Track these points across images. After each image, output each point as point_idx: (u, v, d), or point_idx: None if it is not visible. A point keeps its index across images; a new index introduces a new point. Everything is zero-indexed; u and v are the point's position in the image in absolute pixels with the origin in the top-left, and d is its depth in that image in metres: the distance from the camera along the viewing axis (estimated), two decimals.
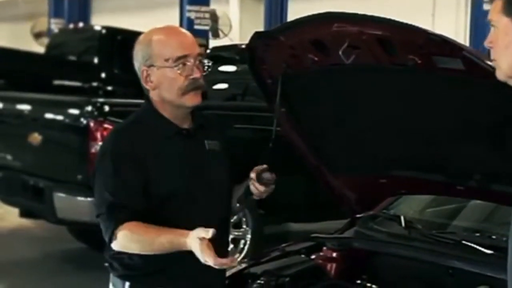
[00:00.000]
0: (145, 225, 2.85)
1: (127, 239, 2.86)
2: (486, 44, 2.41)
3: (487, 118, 3.17)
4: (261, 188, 3.09)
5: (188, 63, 2.94)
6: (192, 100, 2.98)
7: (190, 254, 2.95)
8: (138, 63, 3.01)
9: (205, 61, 3.02)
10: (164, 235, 2.83)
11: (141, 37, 3.04)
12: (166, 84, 2.96)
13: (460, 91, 3.15)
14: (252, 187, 3.11)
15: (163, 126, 3.01)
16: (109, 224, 2.88)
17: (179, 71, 2.94)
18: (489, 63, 2.84)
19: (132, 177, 2.89)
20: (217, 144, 3.13)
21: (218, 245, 3.06)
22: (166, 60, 2.94)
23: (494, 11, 2.37)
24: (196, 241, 2.69)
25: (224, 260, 2.70)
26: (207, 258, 2.67)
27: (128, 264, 2.99)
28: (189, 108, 3.01)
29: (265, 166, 3.09)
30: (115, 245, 2.90)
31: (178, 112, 3.02)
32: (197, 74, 2.96)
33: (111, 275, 3.09)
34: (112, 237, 2.88)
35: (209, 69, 3.05)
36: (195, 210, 2.99)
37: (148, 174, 2.92)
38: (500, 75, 2.41)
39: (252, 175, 3.09)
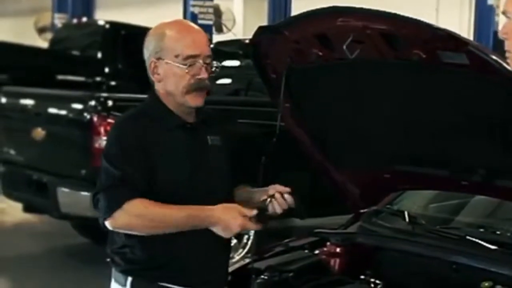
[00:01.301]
0: (156, 202, 2.86)
1: (139, 213, 2.84)
2: (501, 35, 2.40)
3: (491, 112, 3.16)
4: (283, 206, 3.07)
5: (197, 63, 2.95)
6: (195, 100, 2.98)
7: (193, 248, 2.96)
8: (147, 54, 3.02)
9: (214, 63, 3.03)
10: (181, 209, 2.86)
11: (155, 28, 3.06)
12: (172, 80, 2.97)
13: (464, 86, 3.13)
14: (271, 206, 3.07)
15: (168, 118, 3.02)
16: (116, 197, 2.85)
17: (186, 70, 2.94)
18: (494, 57, 2.84)
19: (140, 162, 2.90)
20: (220, 140, 3.13)
21: (220, 241, 3.07)
22: (176, 56, 2.94)
23: (509, 2, 2.35)
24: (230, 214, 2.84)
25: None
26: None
27: (131, 259, 2.99)
28: (190, 108, 3.01)
29: (288, 189, 3.10)
30: (114, 221, 2.86)
31: (181, 107, 3.02)
32: (204, 75, 2.96)
33: (113, 270, 3.09)
34: (114, 212, 2.84)
35: (217, 71, 3.06)
36: (196, 204, 2.99)
37: (153, 164, 2.92)
38: None
39: (278, 195, 3.06)
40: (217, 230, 2.89)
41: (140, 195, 2.85)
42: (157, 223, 2.87)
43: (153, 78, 3.02)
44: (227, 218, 2.86)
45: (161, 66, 2.98)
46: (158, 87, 3.03)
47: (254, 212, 2.89)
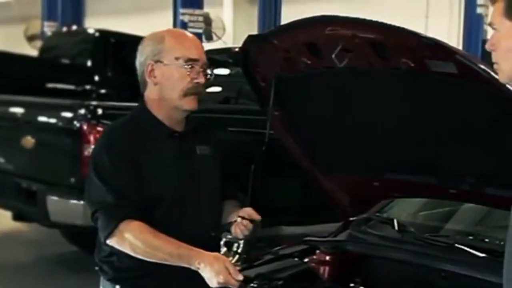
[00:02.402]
0: (152, 230, 2.87)
1: (134, 236, 2.86)
2: (488, 47, 2.41)
3: (480, 121, 3.17)
4: (243, 232, 3.11)
5: (196, 67, 2.98)
6: (190, 104, 3.00)
7: None
8: (143, 57, 3.02)
9: (208, 70, 3.05)
10: (173, 245, 2.86)
11: (152, 33, 3.08)
12: (170, 82, 2.99)
13: (453, 95, 3.15)
14: (233, 229, 3.12)
15: (156, 127, 3.03)
16: (113, 217, 2.87)
17: (187, 72, 2.95)
18: (482, 66, 2.86)
19: (130, 174, 2.92)
20: (209, 149, 3.14)
21: (208, 249, 3.08)
22: (177, 58, 2.97)
23: (495, 14, 2.37)
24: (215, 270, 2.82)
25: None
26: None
27: (118, 267, 3.00)
28: (185, 111, 3.03)
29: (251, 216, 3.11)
30: (112, 240, 2.89)
31: (173, 114, 3.03)
32: (201, 79, 2.99)
33: (101, 279, 3.10)
34: (113, 232, 2.87)
35: (211, 78, 3.08)
36: (184, 213, 3.01)
37: (141, 173, 2.92)
38: (502, 77, 2.41)
39: (239, 220, 3.09)
40: (202, 274, 2.88)
41: (137, 211, 2.88)
42: (148, 251, 2.89)
43: (149, 80, 3.02)
44: (213, 270, 2.84)
45: (158, 68, 3.00)
46: (151, 92, 3.04)
47: (240, 277, 2.87)
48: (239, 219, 3.08)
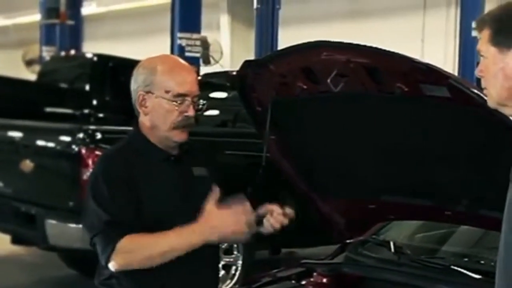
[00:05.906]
0: (144, 234, 2.89)
1: (130, 248, 2.86)
2: (477, 73, 2.48)
3: (474, 144, 3.21)
4: (278, 224, 3.04)
5: (186, 101, 2.99)
6: (180, 136, 3.02)
7: (180, 278, 2.99)
8: (136, 85, 3.03)
9: (200, 101, 3.07)
10: (168, 233, 2.87)
11: (145, 61, 3.08)
12: (160, 114, 3.00)
13: (447, 118, 3.19)
14: (267, 222, 3.03)
15: (152, 151, 3.05)
16: (109, 240, 2.87)
17: (176, 107, 2.98)
18: (474, 91, 2.90)
19: (127, 199, 2.92)
20: (204, 170, 3.16)
21: (207, 272, 3.09)
22: (167, 92, 2.98)
23: (482, 42, 2.43)
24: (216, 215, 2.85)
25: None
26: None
27: None
28: (175, 143, 3.05)
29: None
30: (114, 263, 2.88)
31: (165, 141, 3.05)
32: (191, 113, 3.00)
33: None
34: (111, 255, 2.87)
35: (203, 109, 3.09)
36: None
37: (138, 198, 2.95)
38: (491, 102, 2.48)
39: (277, 209, 3.02)
40: (213, 235, 2.89)
41: (130, 231, 2.88)
42: (151, 251, 2.88)
43: (140, 110, 3.04)
44: (221, 227, 2.87)
45: (149, 99, 3.00)
46: (144, 120, 3.06)
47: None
48: (275, 208, 3.00)
